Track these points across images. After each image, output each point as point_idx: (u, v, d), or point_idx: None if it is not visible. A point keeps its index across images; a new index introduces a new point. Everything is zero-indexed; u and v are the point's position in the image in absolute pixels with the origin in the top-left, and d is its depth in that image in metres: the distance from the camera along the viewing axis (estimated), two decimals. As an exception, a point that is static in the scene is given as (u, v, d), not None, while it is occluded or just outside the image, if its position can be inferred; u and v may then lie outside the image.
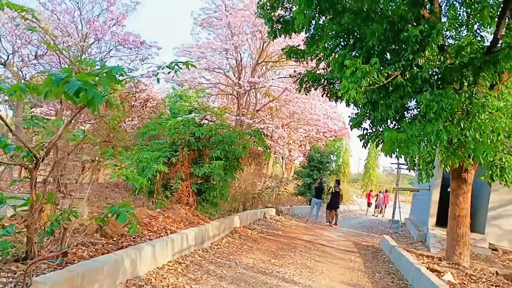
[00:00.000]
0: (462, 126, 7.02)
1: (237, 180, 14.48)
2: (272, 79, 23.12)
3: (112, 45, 17.08)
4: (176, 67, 4.31)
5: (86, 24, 15.70)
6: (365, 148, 9.40)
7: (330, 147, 28.69)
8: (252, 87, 23.17)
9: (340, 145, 41.98)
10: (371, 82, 7.33)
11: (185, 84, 22.43)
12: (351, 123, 9.94)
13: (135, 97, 15.85)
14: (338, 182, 17.85)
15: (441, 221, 14.54)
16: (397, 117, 8.29)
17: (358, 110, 10.23)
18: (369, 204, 28.78)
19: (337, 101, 11.31)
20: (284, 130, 26.65)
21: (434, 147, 7.00)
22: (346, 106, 10.75)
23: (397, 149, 7.03)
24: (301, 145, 31.01)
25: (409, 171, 23.26)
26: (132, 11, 17.39)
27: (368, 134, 9.10)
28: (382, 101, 7.84)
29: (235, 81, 22.52)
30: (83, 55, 16.46)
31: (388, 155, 7.42)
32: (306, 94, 11.99)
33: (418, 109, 7.82)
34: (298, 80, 11.44)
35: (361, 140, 9.18)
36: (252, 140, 11.54)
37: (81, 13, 16.02)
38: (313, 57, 10.73)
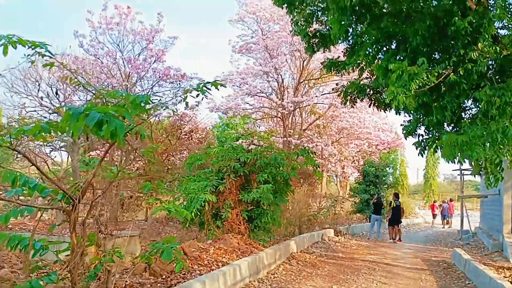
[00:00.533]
0: (531, 121, 6.28)
1: (290, 203, 14.03)
2: (316, 96, 22.66)
3: (154, 81, 17.38)
4: (204, 88, 4.03)
5: (128, 63, 16.10)
6: (422, 156, 8.70)
7: (384, 159, 27.60)
8: (296, 107, 22.83)
9: (395, 156, 40.43)
10: (421, 84, 6.77)
11: (229, 112, 22.44)
12: (404, 132, 9.30)
13: (180, 129, 15.91)
14: (396, 195, 16.88)
15: (519, 228, 13.30)
16: (455, 119, 7.59)
17: (410, 116, 9.61)
18: (434, 216, 27.16)
19: (386, 110, 10.75)
20: (335, 147, 25.97)
21: (501, 147, 6.28)
22: (396, 113, 10.10)
23: (459, 153, 6.37)
24: (354, 160, 30.10)
25: (474, 176, 21.76)
26: (170, 46, 17.69)
27: (424, 140, 8.42)
28: (436, 104, 7.22)
29: (279, 102, 22.28)
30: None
31: (449, 161, 6.76)
32: (352, 106, 11.47)
33: (478, 108, 7.12)
34: (342, 93, 10.98)
35: (417, 148, 8.51)
36: (300, 160, 11.13)
37: (122, 54, 16.48)
38: (354, 67, 10.22)
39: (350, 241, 14.27)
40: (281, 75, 22.69)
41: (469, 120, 7.07)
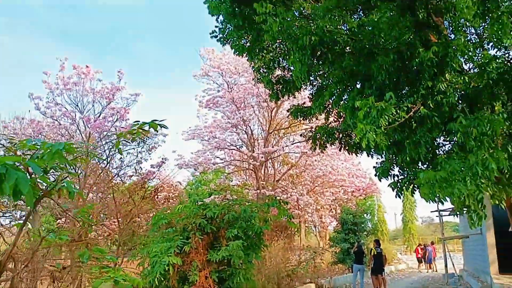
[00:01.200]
0: (511, 151, 5.89)
1: (267, 258, 13.15)
2: (287, 146, 22.34)
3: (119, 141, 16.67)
4: (140, 130, 3.42)
5: (87, 123, 15.41)
6: (400, 198, 8.18)
7: (361, 206, 27.08)
8: (268, 158, 22.37)
9: (372, 202, 40.03)
10: (390, 120, 6.36)
11: (199, 167, 21.75)
12: (377, 173, 8.83)
13: (144, 188, 15.04)
14: (377, 242, 16.10)
15: (505, 267, 12.73)
16: (429, 156, 7.16)
17: (382, 157, 9.21)
18: (419, 260, 26.36)
19: (357, 152, 10.36)
20: (310, 197, 25.39)
21: (482, 181, 5.81)
22: (368, 155, 9.71)
23: (439, 191, 5.85)
24: (331, 209, 29.51)
25: (455, 216, 21.39)
26: (133, 103, 17.18)
27: (400, 181, 7.93)
28: (408, 140, 6.79)
29: (249, 154, 21.79)
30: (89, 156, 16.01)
31: (430, 200, 6.24)
32: (322, 152, 11.07)
33: (453, 142, 6.71)
34: (311, 139, 10.58)
35: (393, 189, 7.99)
36: (274, 212, 10.45)
37: (82, 114, 15.84)
38: (321, 111, 9.85)
39: (333, 296, 13.36)
40: (250, 127, 22.39)
41: (445, 155, 6.63)
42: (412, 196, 7.83)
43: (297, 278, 14.25)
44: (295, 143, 22.60)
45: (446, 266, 18.25)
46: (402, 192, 7.90)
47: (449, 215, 21.47)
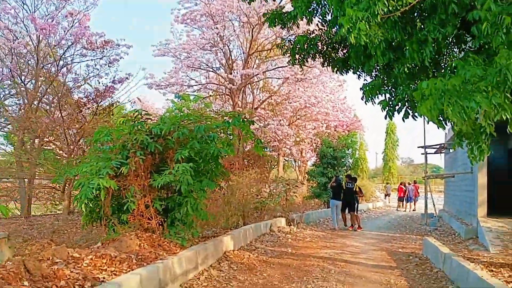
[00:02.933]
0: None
1: (235, 189, 11.80)
2: (268, 70, 20.38)
3: (76, 50, 14.57)
4: None
5: (33, 23, 13.17)
6: (391, 119, 6.61)
7: (343, 140, 25.76)
8: (247, 83, 20.52)
9: (355, 139, 39.01)
10: (391, 8, 4.61)
11: (168, 87, 19.85)
12: (364, 93, 7.21)
13: (97, 103, 13.21)
14: (350, 177, 14.80)
15: (494, 210, 11.62)
16: (436, 61, 5.48)
17: (371, 77, 7.62)
18: (401, 199, 25.46)
19: (343, 70, 8.68)
20: (291, 129, 23.91)
21: (508, 95, 4.21)
22: (355, 72, 8.11)
23: (447, 106, 4.24)
24: (312, 143, 28.16)
25: (440, 154, 20.26)
26: (92, 7, 14.91)
27: (393, 98, 6.31)
28: (412, 38, 5.06)
29: (226, 76, 19.89)
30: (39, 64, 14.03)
31: (431, 120, 4.66)
32: (301, 67, 9.30)
33: (472, 37, 4.97)
34: (289, 51, 8.78)
35: (384, 109, 6.38)
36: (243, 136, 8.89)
37: (32, 12, 13.59)
38: (304, 13, 7.88)
39: (304, 231, 12.21)
40: (228, 47, 20.28)
41: (458, 59, 4.95)
42: (405, 119, 6.20)
43: (266, 212, 13.06)
44: (278, 67, 20.65)
45: (426, 206, 17.32)
46: (394, 112, 6.30)
47: (435, 152, 20.37)
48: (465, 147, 6.38)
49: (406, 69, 5.79)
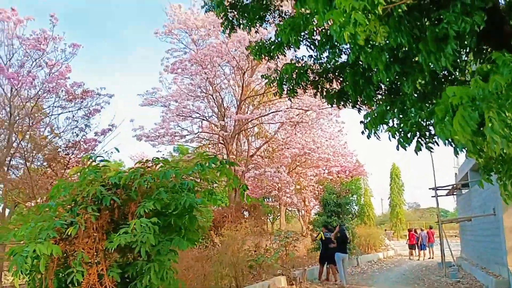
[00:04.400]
0: None
1: (227, 245, 10.35)
2: (261, 116, 19.32)
3: (55, 100, 13.56)
4: None
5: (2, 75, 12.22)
6: (405, 149, 5.17)
7: (346, 186, 24.31)
8: (241, 129, 19.43)
9: (358, 185, 37.47)
10: (393, -1, 3.46)
11: (158, 139, 18.73)
12: (367, 124, 5.97)
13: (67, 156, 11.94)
14: (327, 227, 13.59)
15: (525, 257, 10.04)
16: (460, 67, 4.26)
17: (375, 103, 6.46)
18: (412, 246, 23.64)
19: (339, 101, 7.56)
20: (291, 177, 22.56)
21: None
22: (350, 102, 7.02)
23: (492, 119, 2.97)
24: (314, 191, 26.68)
25: (454, 194, 18.75)
26: (72, 57, 14.05)
27: (402, 124, 5.02)
28: (426, 37, 3.87)
29: (220, 124, 18.85)
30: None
31: (461, 142, 3.36)
32: (290, 100, 8.16)
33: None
34: (276, 82, 7.65)
35: (394, 136, 5.07)
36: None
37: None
38: (291, 40, 6.79)
39: (308, 292, 10.59)
40: (220, 94, 19.38)
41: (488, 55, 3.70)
42: (418, 151, 4.84)
43: (264, 270, 11.46)
44: (272, 112, 19.64)
45: (442, 254, 15.66)
46: (406, 140, 4.99)
47: (446, 194, 18.89)
48: (495, 183, 5.09)
49: (418, 85, 4.59)
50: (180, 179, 6.13)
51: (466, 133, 3.10)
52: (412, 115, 4.72)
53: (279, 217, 28.93)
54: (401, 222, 49.34)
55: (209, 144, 20.26)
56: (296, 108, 18.76)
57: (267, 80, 7.82)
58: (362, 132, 7.00)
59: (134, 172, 5.89)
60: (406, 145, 4.86)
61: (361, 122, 6.92)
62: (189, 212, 6.22)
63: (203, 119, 19.97)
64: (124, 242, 5.19)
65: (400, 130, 4.89)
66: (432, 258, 22.27)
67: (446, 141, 5.37)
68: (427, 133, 5.08)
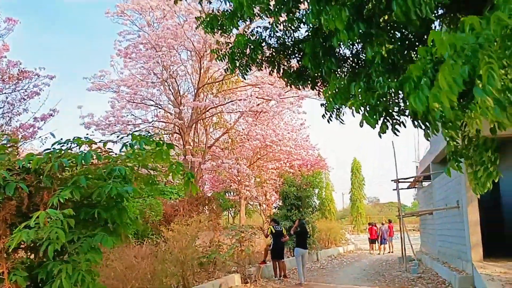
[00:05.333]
0: None
1: (174, 241, 9.41)
2: (220, 105, 18.32)
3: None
4: None
5: None
6: (372, 126, 4.39)
7: (307, 179, 23.75)
8: (198, 118, 18.42)
9: (320, 179, 37.13)
10: None
11: (114, 128, 17.43)
12: (327, 101, 5.20)
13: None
14: (275, 220, 12.97)
15: (488, 252, 9.64)
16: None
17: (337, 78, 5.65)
18: (372, 240, 23.47)
19: (296, 81, 6.85)
20: (251, 171, 21.75)
21: None
22: (306, 80, 6.25)
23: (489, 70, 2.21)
24: (275, 185, 26.02)
25: (415, 186, 18.47)
26: (7, 33, 12.68)
27: (371, 96, 4.23)
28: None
29: (175, 112, 17.79)
30: None
31: (439, 121, 2.60)
32: (243, 77, 7.27)
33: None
34: (227, 57, 6.79)
35: (358, 111, 4.27)
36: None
37: None
38: (244, 10, 5.87)
39: (263, 291, 9.81)
40: (175, 80, 18.27)
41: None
42: (382, 134, 4.05)
43: (217, 268, 10.60)
44: (232, 101, 18.70)
45: (403, 249, 15.30)
46: (375, 116, 4.19)
47: (408, 187, 18.63)
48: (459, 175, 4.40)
49: (384, 52, 3.84)
50: (112, 165, 5.14)
51: (453, 95, 2.32)
52: (380, 85, 3.95)
53: (238, 212, 28.13)
54: (362, 216, 49.64)
55: (164, 134, 19.11)
56: (256, 97, 17.93)
57: (217, 56, 6.97)
58: (323, 116, 6.28)
59: (49, 154, 4.87)
60: (372, 121, 4.07)
61: (321, 104, 6.19)
62: (118, 203, 5.26)
63: (158, 107, 18.81)
64: (27, 239, 4.19)
65: (365, 104, 4.11)
66: (392, 252, 22.10)
67: (415, 121, 4.68)
68: (396, 110, 4.36)
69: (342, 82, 4.80)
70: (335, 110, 5.75)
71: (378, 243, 22.83)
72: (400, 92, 4.18)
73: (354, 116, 4.38)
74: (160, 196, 18.59)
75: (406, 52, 4.36)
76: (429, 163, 15.01)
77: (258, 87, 18.11)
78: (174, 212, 12.17)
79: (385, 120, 4.50)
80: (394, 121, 4.58)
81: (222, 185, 27.52)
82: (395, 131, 4.69)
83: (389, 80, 4.02)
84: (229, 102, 18.49)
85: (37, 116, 13.00)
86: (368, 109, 4.08)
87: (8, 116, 12.45)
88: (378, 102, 4.03)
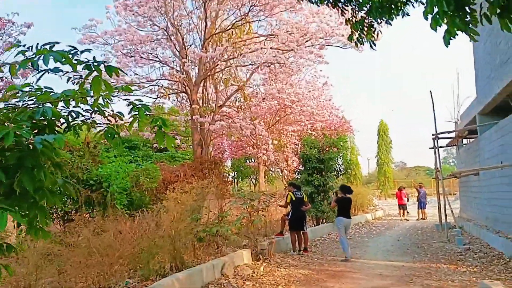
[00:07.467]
0: None
1: (164, 212, 7.68)
2: (231, 58, 16.20)
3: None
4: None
5: None
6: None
7: (331, 141, 21.70)
8: (207, 74, 16.43)
9: (344, 143, 34.92)
10: None
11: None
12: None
13: None
14: (294, 185, 10.87)
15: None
16: None
17: None
18: (402, 206, 21.50)
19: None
20: (269, 135, 19.79)
21: None
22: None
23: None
24: (296, 149, 24.03)
25: (455, 145, 16.24)
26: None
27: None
28: None
29: (180, 66, 15.86)
30: None
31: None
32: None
33: None
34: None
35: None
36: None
37: None
38: None
39: (276, 271, 7.99)
40: (179, 31, 16.23)
41: None
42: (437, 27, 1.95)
43: (225, 242, 8.88)
44: (244, 53, 16.52)
45: (442, 215, 13.31)
46: None
47: (447, 145, 16.43)
48: None
49: None
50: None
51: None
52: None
53: (259, 178, 26.37)
54: (389, 180, 47.43)
55: (168, 94, 17.20)
56: (271, 48, 15.76)
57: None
58: (349, 38, 4.42)
59: None
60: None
61: (346, 21, 4.28)
62: (29, 160, 3.38)
63: (162, 63, 16.83)
64: None
65: None
66: (424, 218, 20.08)
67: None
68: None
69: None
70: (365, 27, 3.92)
71: (419, 207, 20.63)
72: None
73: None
74: (169, 164, 16.94)
75: None
76: (474, 114, 12.75)
77: (273, 36, 15.96)
78: (175, 178, 10.43)
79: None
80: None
81: (241, 151, 25.80)
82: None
83: None
84: (241, 54, 16.35)
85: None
86: None
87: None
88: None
